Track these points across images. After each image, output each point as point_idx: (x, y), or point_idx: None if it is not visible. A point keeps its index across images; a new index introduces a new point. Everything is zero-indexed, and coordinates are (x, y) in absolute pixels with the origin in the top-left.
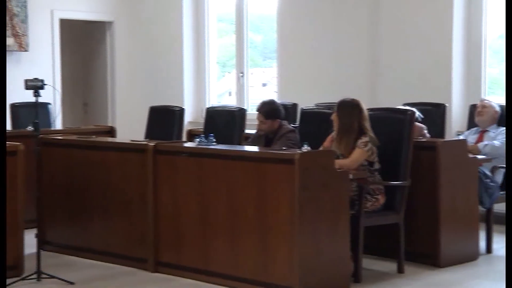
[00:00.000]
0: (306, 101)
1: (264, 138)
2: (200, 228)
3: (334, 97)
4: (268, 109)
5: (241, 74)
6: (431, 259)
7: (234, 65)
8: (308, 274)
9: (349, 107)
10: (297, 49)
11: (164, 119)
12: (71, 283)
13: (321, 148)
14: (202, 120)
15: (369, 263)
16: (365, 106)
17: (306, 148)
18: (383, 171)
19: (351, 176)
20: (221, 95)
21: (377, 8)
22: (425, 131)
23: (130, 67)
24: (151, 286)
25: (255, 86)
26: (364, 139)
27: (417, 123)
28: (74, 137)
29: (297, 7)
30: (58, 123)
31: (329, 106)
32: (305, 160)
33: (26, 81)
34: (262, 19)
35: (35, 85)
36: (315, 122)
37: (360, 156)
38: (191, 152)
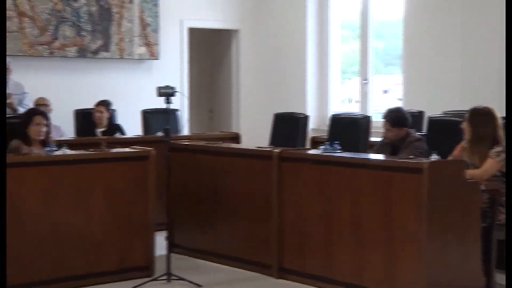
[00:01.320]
0: (433, 109)
1: (390, 147)
2: (324, 236)
3: (463, 105)
4: (394, 117)
5: (364, 81)
6: None
7: (355, 71)
8: (436, 287)
9: (482, 116)
10: (423, 55)
11: (289, 126)
12: (199, 285)
13: (450, 158)
14: (325, 127)
15: (503, 279)
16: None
17: (435, 157)
18: None
19: (483, 187)
20: (342, 102)
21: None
22: None
23: (254, 74)
24: None
25: (376, 93)
26: (498, 148)
27: None
28: (201, 143)
29: (424, 12)
30: (185, 129)
31: (458, 114)
32: (434, 170)
33: (159, 88)
34: (385, 25)
35: (167, 92)
36: (443, 131)
37: (492, 166)
38: (316, 159)
